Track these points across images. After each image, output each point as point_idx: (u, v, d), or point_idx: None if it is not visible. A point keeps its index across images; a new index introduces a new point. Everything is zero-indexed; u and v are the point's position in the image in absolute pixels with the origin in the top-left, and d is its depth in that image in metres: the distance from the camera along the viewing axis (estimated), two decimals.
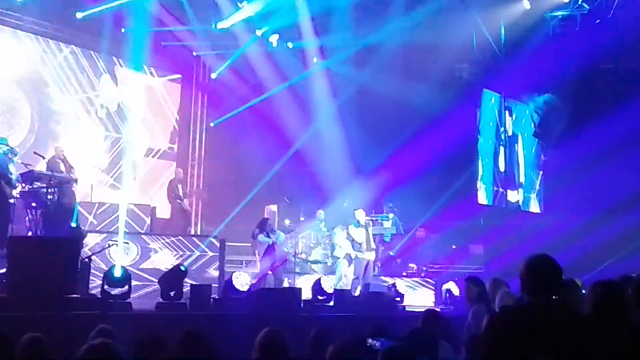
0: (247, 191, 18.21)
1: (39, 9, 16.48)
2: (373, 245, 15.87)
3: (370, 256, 15.60)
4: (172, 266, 12.48)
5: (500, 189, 22.12)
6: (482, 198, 21.33)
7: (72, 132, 17.73)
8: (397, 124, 19.16)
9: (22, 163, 13.50)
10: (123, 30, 17.68)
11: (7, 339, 5.46)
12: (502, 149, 22.41)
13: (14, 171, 13.11)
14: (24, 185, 13.26)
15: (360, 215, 15.65)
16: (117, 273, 10.99)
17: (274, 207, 18.51)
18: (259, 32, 19.10)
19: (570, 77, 20.12)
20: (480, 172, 21.43)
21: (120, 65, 18.74)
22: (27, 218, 13.24)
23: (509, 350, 4.32)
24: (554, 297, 4.62)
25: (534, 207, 23.40)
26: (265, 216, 16.39)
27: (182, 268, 11.94)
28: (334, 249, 16.12)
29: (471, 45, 19.72)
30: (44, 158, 14.17)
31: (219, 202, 18.78)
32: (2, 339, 5.43)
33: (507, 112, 22.68)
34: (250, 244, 16.16)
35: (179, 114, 20.44)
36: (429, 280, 16.62)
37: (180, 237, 15.38)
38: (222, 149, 19.76)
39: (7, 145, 13.20)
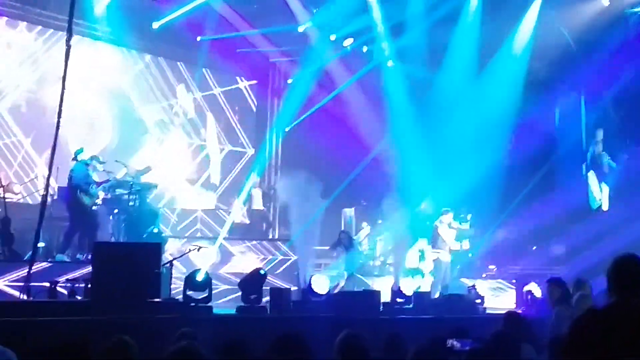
0: (325, 194, 18.23)
1: (116, 19, 16.81)
2: (455, 247, 15.77)
3: (448, 258, 15.49)
4: (251, 270, 12.55)
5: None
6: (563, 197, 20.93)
7: (154, 139, 18.06)
8: (474, 125, 18.94)
9: (104, 171, 13.79)
10: (199, 38, 17.97)
11: (85, 345, 5.54)
12: (583, 147, 21.94)
13: (97, 179, 13.42)
14: (105, 192, 13.54)
15: (450, 217, 15.54)
16: (199, 277, 11.11)
17: (350, 211, 18.52)
18: (332, 37, 19.13)
19: None
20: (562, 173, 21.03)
21: (198, 73, 18.97)
22: (110, 225, 13.53)
23: (597, 352, 4.21)
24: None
25: (616, 205, 22.82)
26: (343, 222, 16.34)
27: (262, 272, 12.00)
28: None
29: (548, 44, 19.36)
30: (125, 166, 14.44)
31: (297, 206, 18.83)
32: (81, 344, 5.52)
33: (588, 111, 22.19)
34: (328, 247, 16.19)
35: (256, 119, 20.61)
36: (509, 281, 16.38)
37: (260, 241, 15.51)
38: (300, 153, 19.82)
39: (83, 155, 13.48)
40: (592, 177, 21.00)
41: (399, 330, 6.86)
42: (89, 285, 10.22)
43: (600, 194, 22.01)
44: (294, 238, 16.04)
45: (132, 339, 5.89)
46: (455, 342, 6.31)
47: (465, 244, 16.28)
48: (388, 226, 17.52)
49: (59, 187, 13.72)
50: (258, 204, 17.98)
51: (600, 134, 22.26)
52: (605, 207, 21.97)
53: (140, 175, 14.39)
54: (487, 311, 13.96)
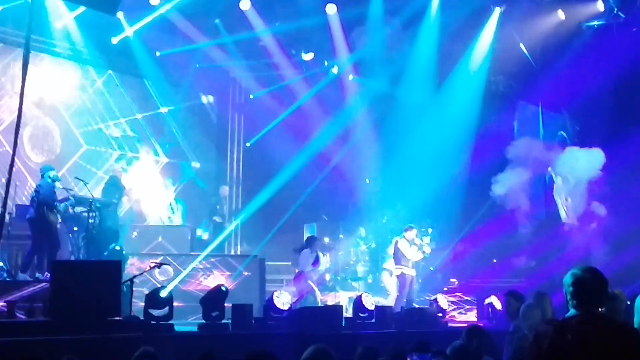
0: (286, 210, 18.25)
1: (76, 35, 16.70)
2: (415, 260, 15.84)
3: (413, 272, 15.55)
4: (213, 287, 12.49)
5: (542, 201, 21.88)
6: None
7: (116, 156, 17.99)
8: (435, 137, 19.08)
9: (63, 188, 13.67)
10: (158, 54, 17.95)
11: None
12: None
13: (59, 197, 13.32)
14: (65, 210, 13.42)
15: (413, 233, 15.58)
16: (160, 295, 11.03)
17: (312, 226, 18.55)
18: (292, 51, 19.21)
19: (607, 86, 19.87)
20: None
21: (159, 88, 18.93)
22: (69, 243, 13.39)
23: None
24: (599, 309, 4.58)
25: (575, 218, 23.06)
26: (306, 234, 16.34)
27: (223, 289, 11.95)
28: (383, 260, 16.07)
29: (506, 57, 19.58)
30: (86, 183, 14.29)
31: (258, 221, 18.80)
32: None
33: (545, 123, 22.45)
34: (290, 263, 16.17)
35: (216, 134, 20.59)
36: (470, 295, 16.47)
37: (221, 257, 15.47)
38: (260, 169, 19.80)
39: (51, 172, 13.36)
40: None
41: (367, 345, 6.85)
42: (49, 305, 10.10)
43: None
44: (255, 253, 16.05)
45: (94, 358, 5.87)
46: (415, 357, 6.34)
47: (426, 249, 16.32)
48: (349, 241, 17.58)
49: (16, 205, 13.53)
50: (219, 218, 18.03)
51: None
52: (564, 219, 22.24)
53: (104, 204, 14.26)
54: (449, 325, 14.03)
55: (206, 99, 20.13)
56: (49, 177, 13.09)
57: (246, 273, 15.30)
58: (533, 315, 7.93)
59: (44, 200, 12.80)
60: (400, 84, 19.59)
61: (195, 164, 19.86)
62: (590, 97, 20.21)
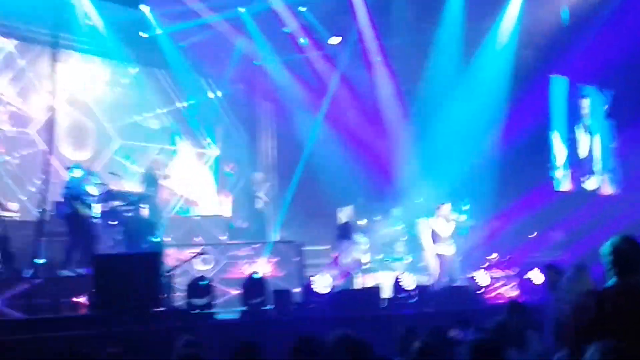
0: (321, 194, 18.27)
1: (103, 30, 16.79)
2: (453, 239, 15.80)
3: (452, 250, 15.50)
4: (249, 274, 12.56)
5: (577, 175, 21.76)
6: (558, 184, 21.02)
7: (150, 149, 18.11)
8: (465, 115, 18.98)
9: (100, 183, 13.83)
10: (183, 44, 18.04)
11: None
12: (576, 133, 22.06)
13: (95, 192, 13.46)
14: (103, 205, 13.56)
15: (447, 209, 15.51)
16: (200, 284, 11.13)
17: (348, 209, 18.53)
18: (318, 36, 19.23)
19: (638, 54, 19.61)
20: (555, 159, 21.13)
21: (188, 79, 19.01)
22: (109, 237, 13.54)
23: (599, 334, 4.24)
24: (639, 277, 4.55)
25: (612, 189, 22.90)
26: (341, 218, 16.31)
27: (257, 275, 12.01)
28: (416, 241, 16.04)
29: (534, 30, 19.38)
30: (120, 177, 14.44)
31: (294, 206, 18.85)
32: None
33: (577, 95, 22.30)
34: (329, 247, 16.20)
35: (247, 123, 20.63)
36: (509, 270, 16.39)
37: (259, 244, 15.56)
38: (294, 155, 19.82)
39: (81, 169, 13.53)
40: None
41: (409, 326, 6.86)
42: (92, 299, 10.24)
43: (594, 181, 22.14)
44: (293, 239, 16.10)
45: (137, 349, 5.94)
46: (458, 333, 6.35)
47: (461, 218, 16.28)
48: (386, 222, 17.56)
49: (54, 202, 13.71)
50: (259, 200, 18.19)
51: (591, 118, 22.38)
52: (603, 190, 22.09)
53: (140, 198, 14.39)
54: (490, 301, 14.00)
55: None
56: (77, 172, 13.29)
57: (286, 258, 15.37)
58: (574, 288, 7.89)
59: (72, 194, 12.97)
60: (429, 63, 19.46)
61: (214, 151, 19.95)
62: (622, 68, 20.00)
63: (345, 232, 15.39)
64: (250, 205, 18.51)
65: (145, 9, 17.08)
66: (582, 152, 22.17)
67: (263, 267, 14.64)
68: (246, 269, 14.64)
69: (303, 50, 19.35)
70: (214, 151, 19.79)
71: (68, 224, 13.07)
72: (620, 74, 20.57)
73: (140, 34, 17.45)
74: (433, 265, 15.31)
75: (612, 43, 18.97)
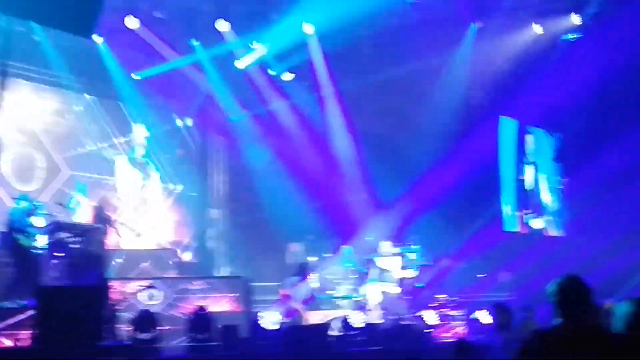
0: (270, 230, 18.24)
1: (54, 59, 16.63)
2: (400, 277, 15.89)
3: (397, 289, 15.57)
4: (196, 308, 12.42)
5: (525, 215, 22.04)
6: (507, 225, 21.25)
7: (103, 181, 17.91)
8: (416, 154, 19.18)
9: (47, 215, 13.65)
10: (136, 76, 17.92)
11: None
12: (524, 173, 22.38)
13: (41, 224, 13.27)
14: (50, 236, 13.35)
15: (386, 247, 15.63)
16: (147, 318, 10.98)
17: (296, 246, 18.55)
18: (272, 72, 19.27)
19: (587, 98, 20.01)
20: (503, 199, 21.39)
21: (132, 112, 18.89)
22: (54, 269, 13.30)
23: None
24: (584, 316, 4.60)
25: (558, 231, 23.24)
26: (291, 254, 16.26)
27: (204, 311, 11.90)
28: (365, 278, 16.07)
29: (485, 72, 19.70)
30: (68, 208, 14.24)
31: (243, 243, 18.79)
32: None
33: (525, 137, 22.66)
34: (277, 283, 16.15)
35: (198, 156, 20.53)
36: (457, 310, 16.47)
37: (208, 279, 15.43)
38: (242, 190, 19.79)
39: (27, 201, 13.37)
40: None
41: None
42: (35, 331, 10.03)
43: (541, 221, 22.45)
44: (242, 275, 16.01)
45: None
46: None
47: (411, 273, 16.39)
48: (334, 259, 17.55)
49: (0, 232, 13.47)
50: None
51: (538, 160, 22.73)
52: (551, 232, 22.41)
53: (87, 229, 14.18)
54: (438, 340, 14.03)
55: (181, 122, 19.99)
56: (21, 204, 13.14)
57: (233, 294, 15.24)
58: (522, 328, 7.98)
59: (12, 226, 12.81)
60: (381, 100, 19.64)
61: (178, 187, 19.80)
62: (569, 110, 20.40)
63: (302, 271, 15.39)
64: (201, 241, 18.38)
65: (98, 39, 17.02)
66: (530, 191, 22.48)
67: (211, 302, 14.49)
68: (194, 304, 14.48)
69: (257, 88, 19.39)
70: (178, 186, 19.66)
71: (11, 255, 12.86)
72: (568, 118, 20.97)
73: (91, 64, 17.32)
74: (374, 301, 15.40)
75: (560, 87, 19.36)
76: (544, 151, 23.27)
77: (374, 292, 15.83)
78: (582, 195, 21.37)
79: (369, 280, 15.87)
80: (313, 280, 15.93)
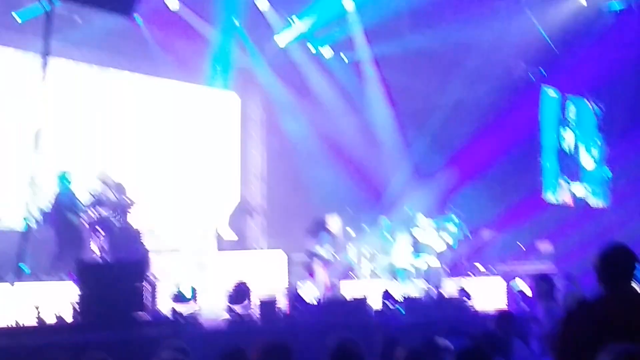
0: (310, 203, 18.22)
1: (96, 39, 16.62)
2: (439, 249, 15.82)
3: (436, 261, 15.53)
4: (237, 282, 12.47)
5: (566, 184, 21.81)
6: (548, 195, 21.04)
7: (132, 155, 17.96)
8: (456, 125, 19.02)
9: (89, 191, 13.74)
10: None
11: None
12: (565, 144, 22.13)
13: (83, 199, 13.39)
14: (90, 212, 13.45)
15: (424, 219, 15.59)
16: (186, 291, 11.05)
17: (337, 218, 18.51)
18: (312, 48, 19.17)
19: (630, 68, 19.70)
20: (545, 170, 21.17)
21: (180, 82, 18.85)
22: (95, 244, 13.42)
23: (588, 345, 4.19)
24: (630, 285, 4.51)
25: (601, 202, 22.96)
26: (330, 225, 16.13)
27: (246, 284, 11.93)
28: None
29: (527, 42, 19.40)
30: (109, 185, 14.29)
31: (283, 216, 18.79)
32: None
33: (568, 107, 22.38)
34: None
35: (240, 132, 20.50)
36: (498, 280, 16.37)
37: (247, 253, 15.49)
38: (282, 164, 19.76)
39: (68, 176, 13.46)
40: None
41: (392, 335, 6.81)
42: (76, 306, 10.13)
43: (582, 190, 22.21)
44: (281, 248, 16.02)
45: (121, 356, 5.88)
46: (446, 341, 6.30)
47: (446, 240, 16.30)
48: (373, 231, 17.50)
49: (41, 209, 13.56)
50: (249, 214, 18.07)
51: (581, 130, 22.45)
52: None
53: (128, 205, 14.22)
54: (478, 310, 13.96)
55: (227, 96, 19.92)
56: (66, 181, 13.22)
57: (275, 267, 15.30)
58: (565, 299, 7.89)
59: (64, 205, 12.90)
60: (421, 75, 19.46)
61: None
62: (612, 81, 20.09)
63: (316, 228, 15.20)
64: (241, 216, 18.40)
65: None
66: (571, 157, 22.25)
67: (253, 276, 14.54)
68: (237, 277, 14.54)
69: (297, 64, 19.30)
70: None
71: (56, 232, 13.00)
72: (612, 87, 20.67)
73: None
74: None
75: (604, 57, 19.06)
76: (587, 121, 22.98)
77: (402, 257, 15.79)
78: (626, 166, 21.10)
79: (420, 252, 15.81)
80: (353, 252, 15.91)
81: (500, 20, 18.31)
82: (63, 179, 13.39)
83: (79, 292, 10.04)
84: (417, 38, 18.68)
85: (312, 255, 14.58)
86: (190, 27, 17.42)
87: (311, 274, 14.58)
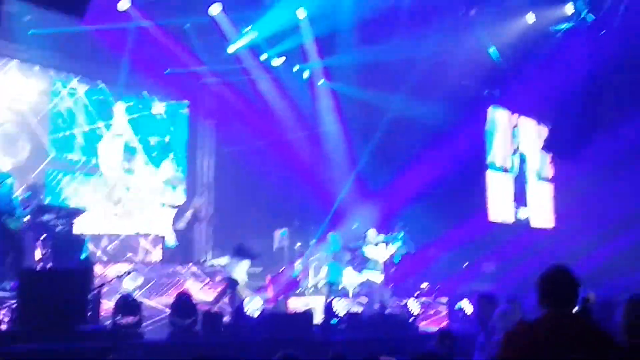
0: (257, 215, 18.17)
1: (44, 40, 16.41)
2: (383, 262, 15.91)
3: (380, 277, 15.59)
4: (179, 294, 12.35)
5: (511, 205, 22.07)
6: (492, 215, 21.25)
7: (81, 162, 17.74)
8: (404, 142, 19.14)
9: (28, 196, 13.51)
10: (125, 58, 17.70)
11: None
12: (510, 163, 22.40)
13: (25, 205, 13.14)
14: (32, 217, 13.22)
15: (373, 235, 15.64)
16: (130, 302, 10.91)
17: (283, 232, 18.50)
18: (263, 56, 19.14)
19: (577, 89, 20.01)
20: (490, 189, 21.38)
21: (126, 95, 18.69)
22: (37, 251, 13.19)
23: None
24: (571, 308, 4.57)
25: (545, 222, 23.28)
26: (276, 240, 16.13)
27: (188, 296, 11.83)
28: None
29: (476, 61, 19.63)
30: (53, 190, 14.09)
31: (229, 227, 18.69)
32: None
33: (514, 126, 22.67)
34: (260, 269, 16.12)
35: (188, 140, 20.38)
36: (440, 299, 16.47)
37: (191, 265, 15.37)
38: (231, 174, 19.68)
39: (9, 180, 13.19)
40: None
41: (338, 352, 6.80)
42: (16, 314, 9.94)
43: (527, 211, 22.49)
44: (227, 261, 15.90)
45: None
46: (387, 359, 6.33)
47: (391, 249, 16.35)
48: (320, 246, 17.49)
49: None
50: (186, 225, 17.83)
51: (528, 150, 22.74)
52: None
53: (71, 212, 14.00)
54: (420, 329, 14.03)
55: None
56: (7, 185, 12.95)
57: (217, 279, 15.21)
58: (507, 319, 7.93)
59: (2, 210, 12.63)
60: (371, 88, 19.57)
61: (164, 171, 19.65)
62: (560, 101, 20.40)
63: (239, 253, 15.17)
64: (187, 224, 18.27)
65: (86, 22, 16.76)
66: (517, 182, 22.52)
67: (195, 288, 14.45)
68: (177, 290, 14.43)
69: (247, 71, 19.27)
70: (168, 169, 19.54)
71: None
72: (558, 107, 20.98)
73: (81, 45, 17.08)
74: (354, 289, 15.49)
75: (551, 76, 19.34)
76: (533, 141, 23.29)
77: (354, 280, 15.87)
78: (570, 187, 21.43)
79: (364, 269, 15.81)
80: (297, 267, 15.89)
81: (450, 37, 18.52)
82: (2, 182, 13.09)
83: (18, 300, 9.86)
84: (367, 50, 18.79)
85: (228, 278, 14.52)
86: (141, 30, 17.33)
87: (261, 288, 14.62)
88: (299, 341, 10.90)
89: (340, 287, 16.26)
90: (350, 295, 15.89)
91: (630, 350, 4.59)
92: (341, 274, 16.53)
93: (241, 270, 14.51)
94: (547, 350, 4.37)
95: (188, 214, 17.53)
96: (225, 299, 14.28)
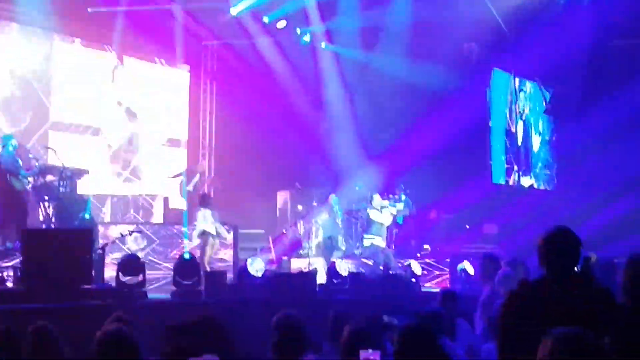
0: (259, 178, 18.19)
1: (45, 3, 16.29)
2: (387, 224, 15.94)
3: (383, 243, 15.63)
4: (181, 255, 12.40)
5: (514, 167, 22.05)
6: (495, 177, 21.25)
7: (85, 125, 17.70)
8: (407, 105, 19.08)
9: (32, 157, 13.53)
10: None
11: (12, 334, 5.50)
12: (514, 127, 22.34)
13: (28, 165, 13.17)
14: (35, 178, 13.26)
15: (377, 200, 15.63)
16: (132, 262, 10.96)
17: (285, 194, 18.53)
18: (266, 19, 19.02)
19: (581, 53, 19.93)
20: (493, 152, 21.36)
21: (128, 57, 18.61)
22: (40, 211, 13.24)
23: (530, 324, 4.25)
24: (572, 268, 4.58)
25: (547, 184, 23.30)
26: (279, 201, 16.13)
27: (188, 257, 11.87)
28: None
29: (479, 24, 19.50)
30: (55, 152, 14.09)
31: (231, 190, 18.72)
32: (7, 333, 5.46)
33: (517, 90, 22.59)
34: (263, 231, 16.17)
35: (189, 103, 20.34)
36: (443, 261, 16.53)
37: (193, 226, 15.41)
38: (232, 137, 19.66)
39: (12, 141, 13.20)
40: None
41: (341, 312, 6.83)
42: (20, 273, 10.01)
43: (530, 179, 22.49)
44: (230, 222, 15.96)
45: (64, 326, 5.83)
46: (390, 319, 6.36)
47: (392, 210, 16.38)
48: (322, 208, 17.53)
49: None
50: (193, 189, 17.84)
51: (530, 113, 22.68)
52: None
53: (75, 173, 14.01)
54: (423, 290, 14.10)
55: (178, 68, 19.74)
56: (11, 146, 12.98)
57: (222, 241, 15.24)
58: (510, 282, 7.97)
59: (7, 169, 12.67)
60: (373, 51, 19.50)
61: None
62: (563, 66, 20.30)
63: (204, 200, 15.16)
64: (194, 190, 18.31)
65: None
66: (521, 146, 22.48)
67: (197, 249, 14.50)
68: (180, 250, 14.49)
69: (250, 34, 19.16)
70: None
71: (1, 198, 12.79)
72: (561, 72, 20.88)
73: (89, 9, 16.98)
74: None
75: (555, 41, 19.22)
76: (536, 105, 23.22)
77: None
78: (573, 150, 21.42)
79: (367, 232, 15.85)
80: (300, 228, 15.94)
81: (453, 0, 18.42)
82: (7, 143, 13.11)
83: (23, 259, 9.92)
84: (371, 14, 18.69)
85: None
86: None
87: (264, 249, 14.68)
88: (303, 300, 10.98)
89: (339, 244, 16.34)
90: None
91: (632, 310, 4.61)
92: (341, 235, 16.64)
93: (204, 218, 14.48)
94: (549, 309, 4.38)
95: (196, 178, 17.51)
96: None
